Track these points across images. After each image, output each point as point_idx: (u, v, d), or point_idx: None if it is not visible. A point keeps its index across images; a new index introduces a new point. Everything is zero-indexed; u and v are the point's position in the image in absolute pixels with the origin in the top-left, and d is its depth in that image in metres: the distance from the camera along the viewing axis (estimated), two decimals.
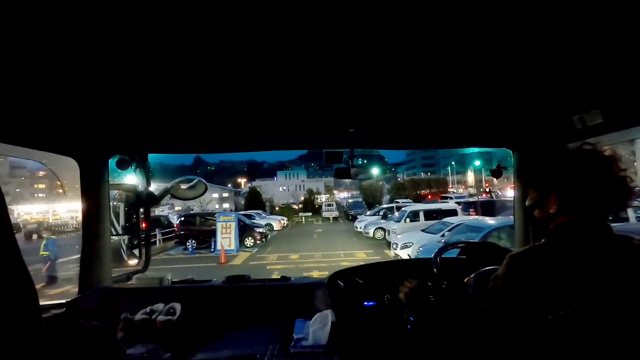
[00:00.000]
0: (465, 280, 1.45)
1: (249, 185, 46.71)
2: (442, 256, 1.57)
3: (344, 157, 1.87)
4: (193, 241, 14.60)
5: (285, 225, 23.73)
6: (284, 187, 53.61)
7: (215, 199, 45.20)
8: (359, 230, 17.38)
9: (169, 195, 1.95)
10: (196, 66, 1.06)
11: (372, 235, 15.51)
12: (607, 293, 0.79)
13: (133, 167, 1.81)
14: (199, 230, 15.29)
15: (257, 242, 15.09)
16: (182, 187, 1.98)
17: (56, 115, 1.38)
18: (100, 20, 0.79)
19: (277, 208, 37.17)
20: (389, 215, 17.70)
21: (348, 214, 28.83)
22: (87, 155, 1.74)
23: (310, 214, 33.42)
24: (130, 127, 1.64)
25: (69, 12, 0.75)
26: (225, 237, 13.46)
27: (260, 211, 26.64)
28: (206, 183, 2.04)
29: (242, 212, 23.30)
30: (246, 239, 14.74)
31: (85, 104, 1.32)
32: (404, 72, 1.14)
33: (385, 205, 23.27)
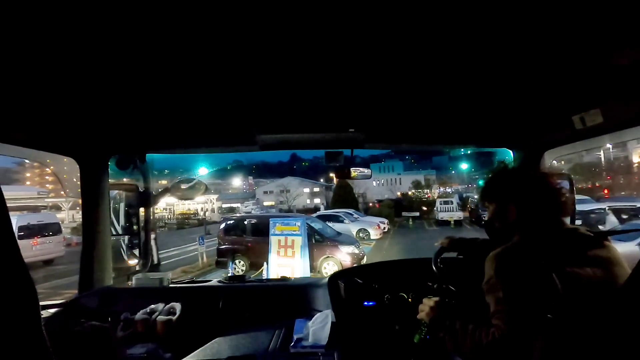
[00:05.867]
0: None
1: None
2: (442, 256, 1.57)
3: (342, 155, 1.87)
4: (240, 262, 8.73)
5: (386, 230, 15.99)
6: (379, 182, 46.25)
7: (306, 194, 42.44)
8: None
9: (168, 194, 1.96)
10: (196, 66, 1.06)
11: None
12: (573, 275, 0.90)
13: (132, 167, 1.81)
14: (251, 243, 8.89)
15: None
16: (182, 187, 1.99)
17: (56, 115, 1.38)
18: (100, 20, 0.79)
19: (370, 204, 29.57)
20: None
21: (479, 217, 18.09)
22: (87, 155, 1.74)
23: (417, 214, 24.53)
24: (130, 127, 1.64)
25: (68, 12, 0.75)
26: (285, 263, 6.84)
27: (351, 210, 18.63)
28: (205, 183, 2.05)
29: (324, 213, 17.16)
30: (324, 265, 8.30)
31: (85, 104, 1.32)
32: (404, 72, 1.14)
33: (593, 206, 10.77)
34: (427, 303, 1.19)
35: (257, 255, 8.02)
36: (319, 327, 1.44)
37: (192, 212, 32.43)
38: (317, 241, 8.50)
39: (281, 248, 6.93)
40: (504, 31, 0.88)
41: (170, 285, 1.88)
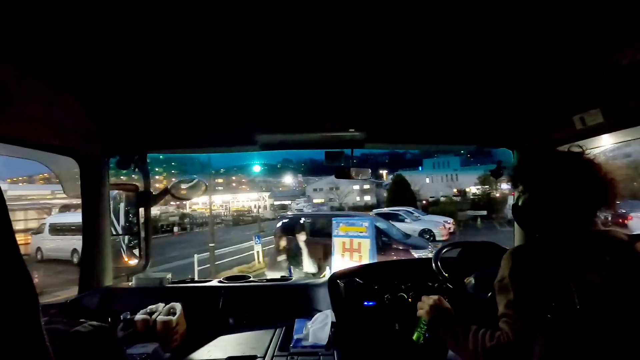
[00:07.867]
0: (465, 281, 1.44)
1: (391, 176, 36.44)
2: (442, 256, 1.57)
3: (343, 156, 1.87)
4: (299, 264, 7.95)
5: (452, 230, 14.24)
6: (430, 178, 42.93)
7: (355, 191, 39.94)
8: None
9: (169, 194, 1.96)
10: (196, 66, 1.06)
11: None
12: (595, 281, 0.83)
13: (133, 167, 1.81)
14: (311, 243, 7.94)
15: None
16: (182, 186, 1.99)
17: (56, 115, 1.38)
18: (102, 20, 0.79)
19: (424, 202, 27.15)
20: None
21: None
22: (87, 155, 1.74)
23: (484, 212, 22.09)
24: (129, 127, 1.64)
25: (68, 12, 0.75)
26: None
27: (411, 208, 16.87)
28: (205, 183, 2.05)
29: (383, 211, 15.24)
30: None
31: (85, 104, 1.32)
32: (404, 72, 1.14)
33: None
34: (426, 301, 1.16)
35: (319, 257, 6.80)
36: (319, 327, 1.44)
37: (246, 209, 33.24)
38: (384, 243, 7.24)
39: (346, 251, 5.53)
40: (504, 31, 0.88)
41: (170, 285, 1.88)
